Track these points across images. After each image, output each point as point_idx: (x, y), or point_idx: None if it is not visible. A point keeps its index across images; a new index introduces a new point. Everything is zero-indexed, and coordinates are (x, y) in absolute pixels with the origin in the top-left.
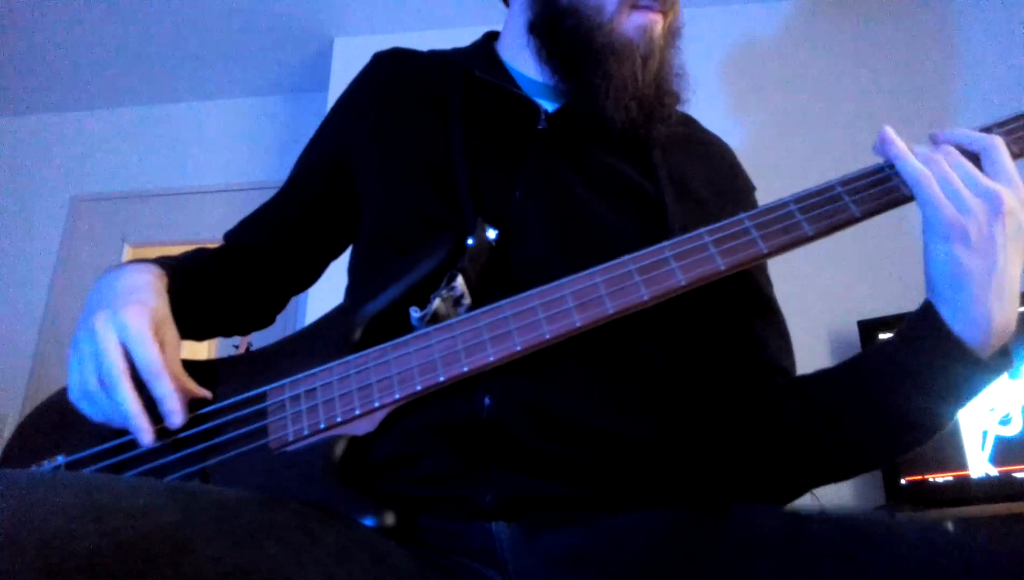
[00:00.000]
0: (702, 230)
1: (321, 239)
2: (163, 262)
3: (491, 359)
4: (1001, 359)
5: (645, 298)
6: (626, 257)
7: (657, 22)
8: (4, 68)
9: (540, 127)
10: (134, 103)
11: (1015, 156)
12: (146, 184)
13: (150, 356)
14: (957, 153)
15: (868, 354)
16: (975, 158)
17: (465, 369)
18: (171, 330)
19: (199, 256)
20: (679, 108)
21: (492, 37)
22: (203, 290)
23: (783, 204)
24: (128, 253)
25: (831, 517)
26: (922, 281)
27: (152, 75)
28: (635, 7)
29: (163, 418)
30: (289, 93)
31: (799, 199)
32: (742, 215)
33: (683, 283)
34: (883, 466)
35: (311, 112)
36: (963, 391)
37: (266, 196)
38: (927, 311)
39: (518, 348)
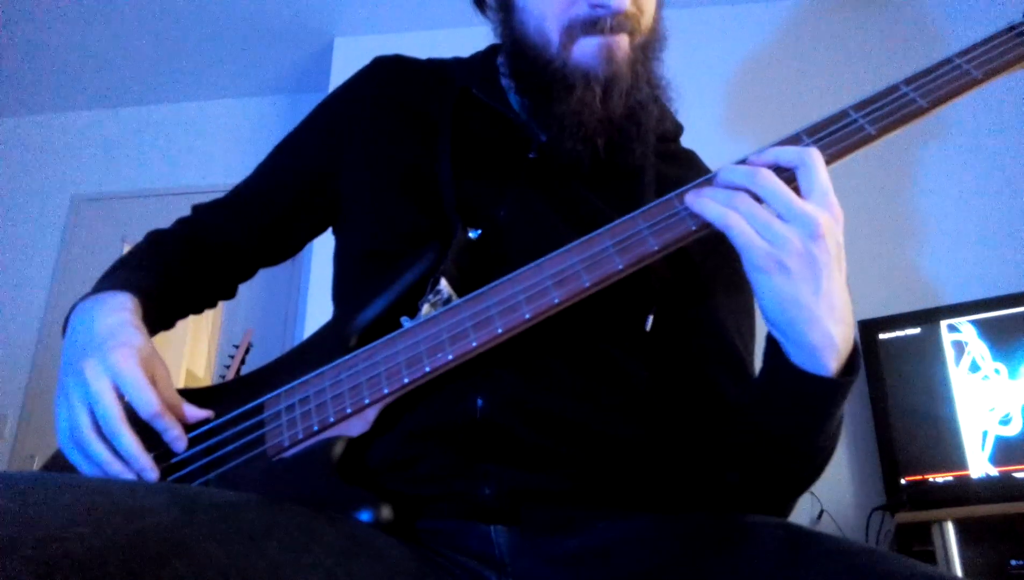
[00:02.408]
0: (672, 195)
1: (295, 232)
2: (132, 286)
3: (473, 345)
4: (851, 365)
5: (620, 267)
6: (602, 229)
7: (617, 43)
8: (4, 68)
9: (530, 156)
10: (134, 103)
11: (828, 162)
12: (146, 184)
13: (147, 398)
14: (768, 176)
15: (752, 385)
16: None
17: (450, 357)
18: (160, 364)
19: (162, 256)
20: (683, 141)
21: (495, 51)
22: (174, 295)
23: (842, 113)
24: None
25: (835, 543)
26: (923, 281)
27: (152, 75)
28: (581, 35)
29: (169, 446)
30: (289, 93)
31: (858, 106)
32: (712, 174)
33: (656, 249)
34: (785, 496)
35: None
36: (822, 410)
37: None
38: (770, 349)
39: (499, 331)
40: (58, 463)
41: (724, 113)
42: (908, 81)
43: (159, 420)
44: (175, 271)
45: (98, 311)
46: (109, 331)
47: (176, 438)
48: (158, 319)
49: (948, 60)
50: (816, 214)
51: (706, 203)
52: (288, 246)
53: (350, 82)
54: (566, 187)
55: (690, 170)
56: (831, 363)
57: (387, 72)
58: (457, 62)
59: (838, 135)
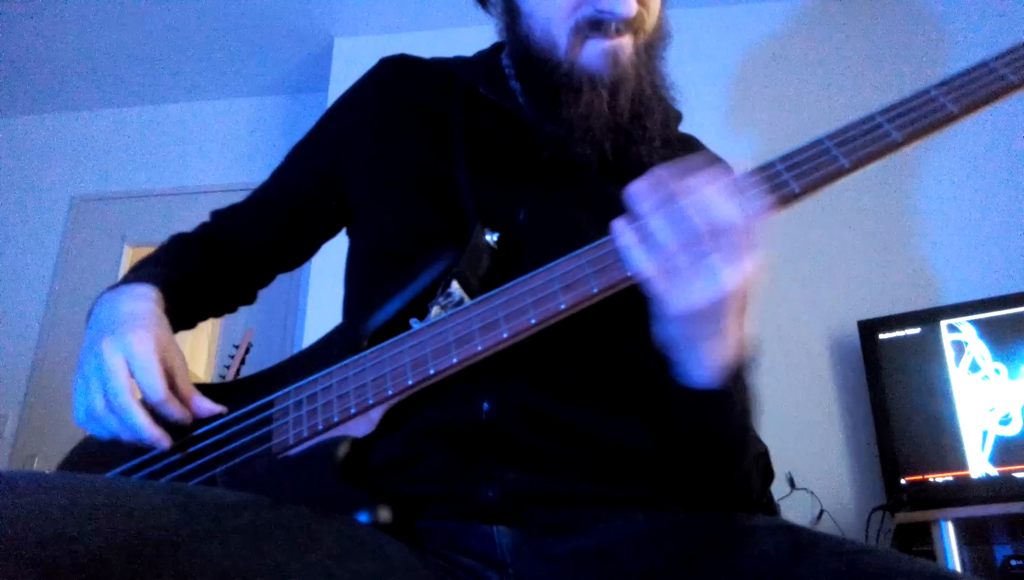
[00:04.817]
0: None
1: (309, 236)
2: (157, 279)
3: (479, 349)
4: (748, 365)
5: (629, 274)
6: (612, 236)
7: (622, 46)
8: (4, 68)
9: (544, 154)
10: (134, 103)
11: (803, 194)
12: (146, 184)
13: (154, 384)
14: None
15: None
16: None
17: (455, 360)
18: (177, 354)
19: (185, 255)
20: (681, 128)
21: (500, 48)
22: (196, 293)
23: (769, 165)
24: (128, 253)
25: (836, 543)
26: (923, 281)
27: (152, 75)
28: (588, 37)
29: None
30: (289, 93)
31: (784, 158)
32: (772, 159)
33: None
34: (714, 488)
35: (311, 112)
36: (726, 409)
37: None
38: (665, 375)
39: (504, 335)
40: (81, 452)
41: (724, 114)
42: (884, 112)
43: (164, 407)
44: (197, 271)
45: (122, 298)
46: (130, 315)
47: (183, 423)
48: (180, 316)
49: (925, 92)
50: (728, 281)
51: (629, 246)
52: (303, 249)
53: (357, 85)
54: (585, 181)
55: (693, 150)
56: (720, 383)
57: (393, 72)
58: (461, 61)
59: (812, 164)
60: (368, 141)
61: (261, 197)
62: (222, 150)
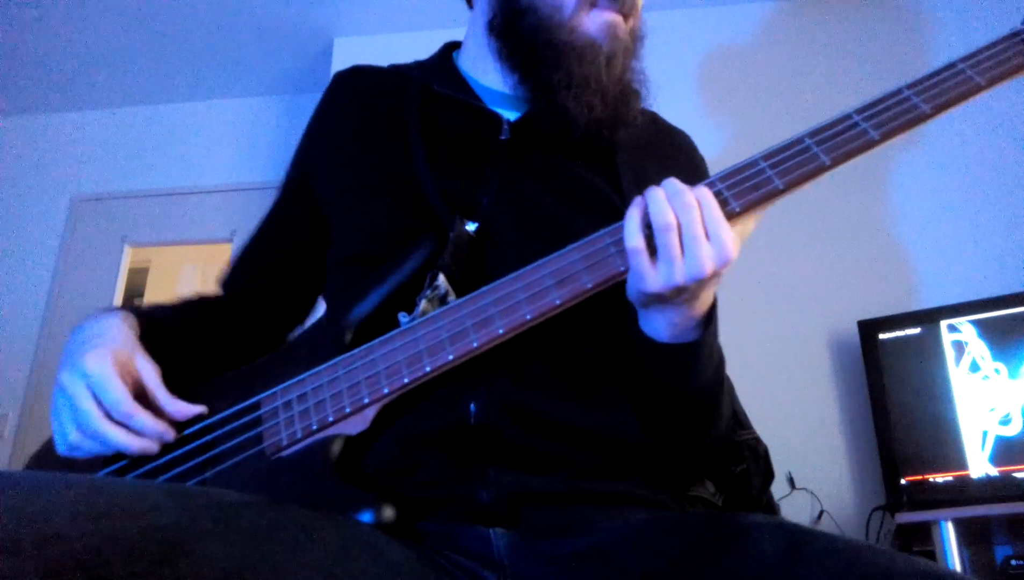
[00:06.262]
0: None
1: (307, 269)
2: (133, 308)
3: (474, 345)
4: (706, 323)
5: (622, 269)
6: (603, 231)
7: (620, 23)
8: (4, 68)
9: (502, 137)
10: (134, 103)
11: (735, 214)
12: (146, 184)
13: (115, 398)
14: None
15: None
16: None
17: (450, 357)
18: (144, 362)
19: (185, 303)
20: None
21: (451, 47)
22: (185, 332)
23: (752, 162)
24: (128, 253)
25: (835, 541)
26: (923, 281)
27: (152, 75)
28: (594, 5)
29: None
30: (289, 93)
31: (768, 156)
32: (713, 177)
33: None
34: (684, 444)
35: (311, 112)
36: (686, 364)
37: (265, 196)
38: (634, 326)
39: (500, 331)
40: (49, 455)
41: (701, 115)
42: (859, 111)
43: (132, 422)
44: (190, 308)
45: (87, 323)
46: (86, 337)
47: (161, 435)
48: (165, 351)
49: (898, 91)
50: (709, 268)
51: (629, 217)
52: (301, 283)
53: (318, 106)
54: (545, 159)
55: (655, 126)
56: (672, 336)
57: (349, 84)
58: (416, 64)
59: (795, 161)
60: (334, 154)
61: (255, 243)
62: (222, 150)
